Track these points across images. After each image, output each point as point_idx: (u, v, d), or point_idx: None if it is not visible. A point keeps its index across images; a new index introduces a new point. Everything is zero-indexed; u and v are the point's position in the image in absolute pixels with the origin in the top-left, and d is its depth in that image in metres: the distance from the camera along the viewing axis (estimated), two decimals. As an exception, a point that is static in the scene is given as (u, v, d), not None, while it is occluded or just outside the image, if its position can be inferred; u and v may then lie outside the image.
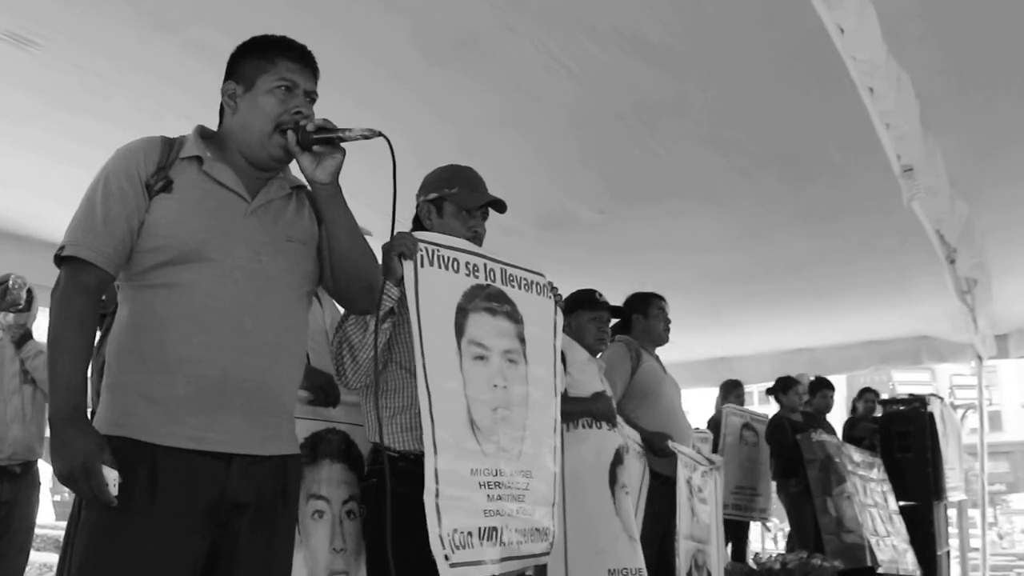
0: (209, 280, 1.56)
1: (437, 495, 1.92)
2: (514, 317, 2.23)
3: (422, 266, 2.03)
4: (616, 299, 3.61)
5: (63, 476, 1.44)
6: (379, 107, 3.02)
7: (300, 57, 1.69)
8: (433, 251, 2.08)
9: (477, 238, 2.25)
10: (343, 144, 1.65)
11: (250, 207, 1.64)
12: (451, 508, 1.93)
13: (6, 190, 4.00)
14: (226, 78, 1.70)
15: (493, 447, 2.08)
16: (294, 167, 1.75)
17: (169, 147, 1.64)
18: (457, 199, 2.26)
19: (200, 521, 1.53)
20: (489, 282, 2.19)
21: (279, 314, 1.64)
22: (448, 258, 2.11)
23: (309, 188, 1.77)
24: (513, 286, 2.26)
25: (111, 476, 1.44)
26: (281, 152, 1.65)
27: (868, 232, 4.66)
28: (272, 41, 1.70)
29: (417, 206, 2.32)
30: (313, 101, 1.71)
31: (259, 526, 1.60)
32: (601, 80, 2.99)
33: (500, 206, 2.28)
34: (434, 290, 2.04)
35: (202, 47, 2.26)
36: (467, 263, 2.15)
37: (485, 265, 2.20)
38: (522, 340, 2.24)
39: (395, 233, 2.04)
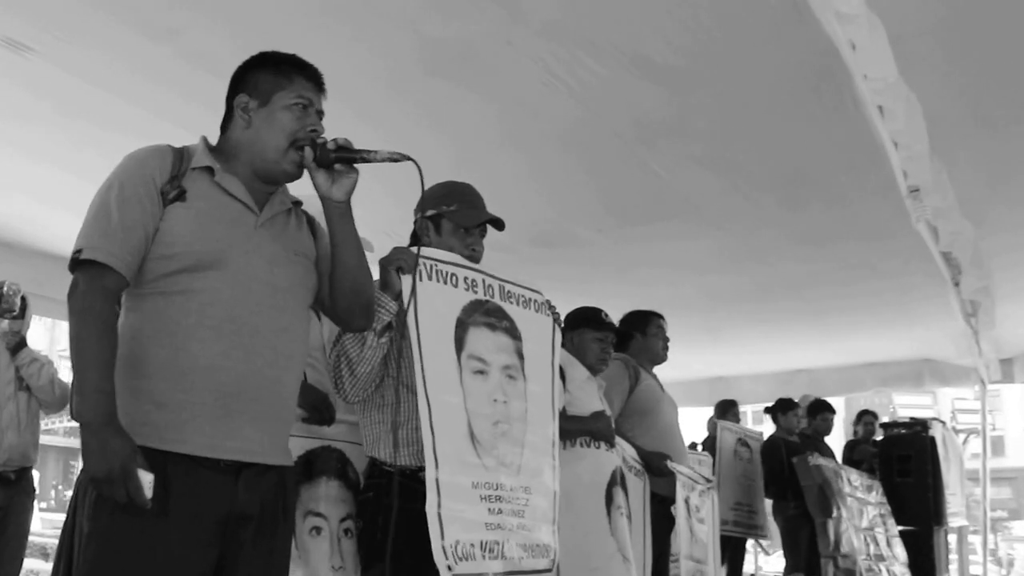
0: (227, 289, 1.57)
1: (439, 507, 1.91)
2: (513, 333, 2.22)
3: (421, 280, 2.02)
4: (612, 318, 3.58)
5: (100, 479, 1.43)
6: (376, 120, 3.00)
7: (313, 76, 1.72)
8: (432, 266, 2.07)
9: (475, 256, 2.24)
10: (364, 165, 1.67)
11: (260, 219, 1.66)
12: (453, 520, 1.93)
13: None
14: (238, 91, 1.71)
15: (493, 461, 2.07)
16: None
17: (180, 156, 1.65)
18: (455, 217, 2.24)
19: (211, 532, 1.53)
20: (488, 298, 2.19)
21: (289, 325, 1.66)
22: (447, 273, 2.11)
23: (303, 205, 1.79)
24: (511, 303, 2.25)
25: (147, 479, 1.44)
26: (295, 168, 1.67)
27: (870, 254, 4.64)
28: (285, 58, 1.72)
29: (415, 222, 2.30)
30: (321, 119, 1.73)
31: (261, 538, 1.60)
32: (600, 98, 2.97)
33: (498, 224, 2.28)
34: (433, 304, 2.04)
35: (199, 54, 2.25)
36: (466, 278, 2.15)
37: (484, 281, 2.19)
38: (521, 356, 2.23)
39: (393, 247, 2.03)
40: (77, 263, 1.54)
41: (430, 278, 2.05)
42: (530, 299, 2.31)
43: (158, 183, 1.58)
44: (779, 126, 3.25)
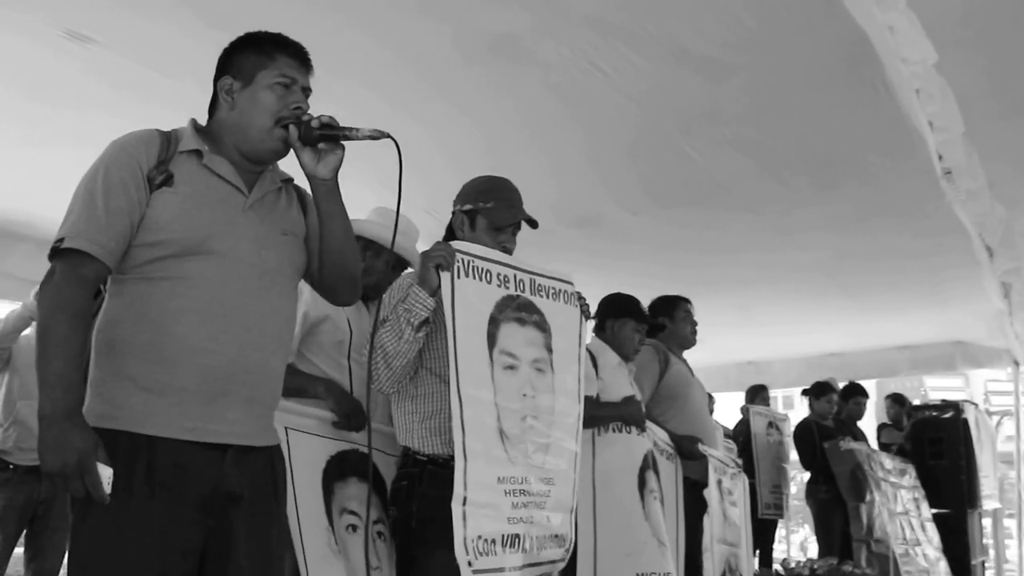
0: (214, 273, 1.56)
1: (464, 502, 1.94)
2: (542, 327, 2.25)
3: (458, 277, 2.06)
4: (645, 300, 3.62)
5: (55, 473, 1.40)
6: (413, 102, 3.00)
7: (297, 54, 1.69)
8: (468, 262, 2.10)
9: (506, 253, 2.27)
10: (345, 142, 1.67)
11: (248, 201, 1.65)
12: (477, 515, 1.96)
13: (52, 191, 4.03)
14: (221, 74, 1.69)
15: (520, 455, 2.10)
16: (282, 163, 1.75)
17: (167, 140, 1.63)
18: (490, 214, 2.26)
19: (196, 512, 1.52)
20: (519, 293, 2.21)
21: (276, 306, 1.65)
22: (482, 269, 2.13)
23: (294, 181, 1.78)
24: (542, 296, 2.28)
25: (106, 474, 1.41)
26: (280, 146, 1.66)
27: (901, 235, 4.60)
28: (268, 37, 1.70)
29: (452, 214, 2.33)
30: (308, 96, 1.70)
31: (254, 517, 1.60)
32: (638, 86, 2.99)
33: (532, 223, 2.29)
34: (469, 301, 2.07)
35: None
36: (499, 274, 2.17)
37: (515, 276, 2.22)
38: (549, 350, 2.26)
39: (434, 243, 2.07)
40: (57, 251, 1.50)
41: (467, 275, 2.08)
42: (560, 291, 2.34)
43: (144, 169, 1.56)
44: (811, 110, 3.23)
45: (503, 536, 2.01)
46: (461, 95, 3.09)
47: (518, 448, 2.10)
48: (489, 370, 2.08)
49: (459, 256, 2.08)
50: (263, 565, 1.61)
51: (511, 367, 2.13)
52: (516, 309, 2.19)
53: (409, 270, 2.10)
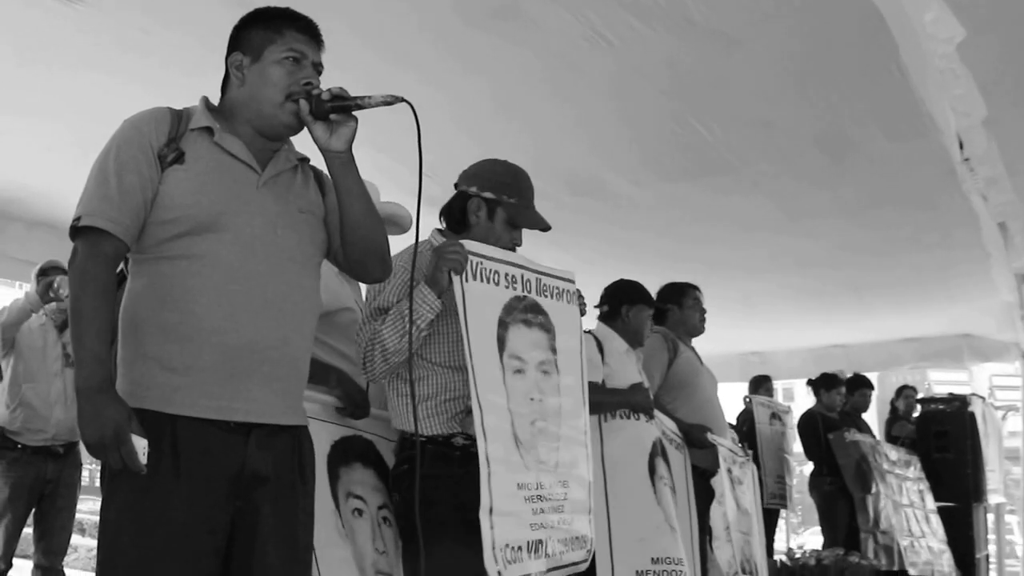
0: (229, 251, 1.56)
1: (491, 512, 1.90)
2: (547, 328, 2.22)
3: (467, 281, 2.00)
4: (648, 278, 3.57)
5: (93, 445, 1.43)
6: (417, 69, 2.97)
7: (307, 28, 1.67)
8: (477, 264, 2.05)
9: (515, 248, 2.25)
10: (358, 111, 1.64)
11: (262, 178, 1.64)
12: (503, 524, 1.93)
13: (45, 163, 3.92)
14: (231, 50, 1.68)
15: (533, 460, 2.07)
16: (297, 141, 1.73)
17: (178, 118, 1.62)
18: (512, 211, 2.21)
19: (222, 493, 1.53)
20: (526, 293, 2.17)
21: (296, 284, 1.64)
22: (490, 271, 2.08)
23: (311, 160, 1.76)
24: (546, 296, 2.24)
25: (140, 444, 1.44)
26: (293, 120, 1.64)
27: (911, 225, 4.56)
28: (278, 12, 1.68)
29: (464, 194, 2.25)
30: (320, 73, 1.68)
31: (279, 499, 1.60)
32: (642, 54, 2.92)
33: (545, 229, 2.27)
34: (478, 304, 2.03)
35: (244, 4, 2.23)
36: (507, 275, 2.13)
37: (522, 276, 2.18)
38: (554, 350, 2.22)
39: (447, 242, 2.01)
40: (77, 231, 1.53)
41: (475, 278, 2.03)
42: (563, 291, 2.31)
43: (155, 147, 1.57)
44: (822, 88, 3.18)
45: (528, 543, 1.99)
46: (460, 57, 3.01)
47: (531, 453, 2.06)
48: (501, 374, 2.04)
49: (471, 258, 2.02)
50: (287, 545, 1.60)
51: (519, 371, 2.09)
52: (523, 311, 2.15)
53: (399, 252, 2.03)
